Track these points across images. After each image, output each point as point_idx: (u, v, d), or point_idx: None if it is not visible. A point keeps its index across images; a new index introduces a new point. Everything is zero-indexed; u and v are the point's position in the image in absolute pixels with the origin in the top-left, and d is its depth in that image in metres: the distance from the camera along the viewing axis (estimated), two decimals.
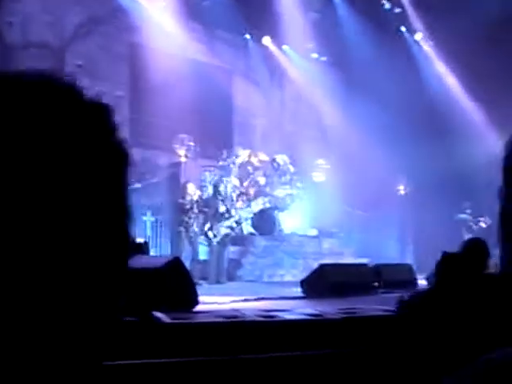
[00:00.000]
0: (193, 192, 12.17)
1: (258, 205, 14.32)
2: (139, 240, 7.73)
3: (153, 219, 14.27)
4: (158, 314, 5.09)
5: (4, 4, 12.94)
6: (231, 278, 12.66)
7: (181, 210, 12.01)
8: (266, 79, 18.15)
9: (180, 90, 14.71)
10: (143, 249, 7.12)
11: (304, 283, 9.17)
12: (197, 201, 12.08)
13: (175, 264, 6.02)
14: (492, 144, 16.36)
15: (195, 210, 11.97)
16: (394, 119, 16.22)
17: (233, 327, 4.90)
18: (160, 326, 4.85)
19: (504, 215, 0.97)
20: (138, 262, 6.21)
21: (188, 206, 11.90)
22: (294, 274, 13.11)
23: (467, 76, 16.59)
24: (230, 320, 5.10)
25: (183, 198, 12.04)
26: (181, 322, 4.91)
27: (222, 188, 12.83)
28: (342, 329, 5.32)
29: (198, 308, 6.00)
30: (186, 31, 15.54)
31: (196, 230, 11.98)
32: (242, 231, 14.07)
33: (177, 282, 5.86)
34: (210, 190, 12.91)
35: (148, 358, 4.53)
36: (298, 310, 6.11)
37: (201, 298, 6.95)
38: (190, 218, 11.89)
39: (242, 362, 4.15)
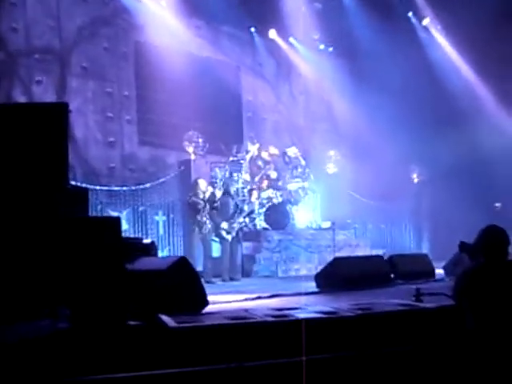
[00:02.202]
0: (204, 188, 11.96)
1: (267, 194, 14.12)
2: (146, 241, 7.49)
3: (164, 218, 14.14)
4: (164, 318, 4.90)
5: (6, 10, 12.76)
6: (246, 275, 12.55)
7: (192, 208, 11.79)
8: (273, 73, 17.97)
9: (187, 87, 14.54)
10: (150, 249, 6.89)
11: (318, 277, 9.00)
12: (208, 198, 11.86)
13: (182, 264, 5.78)
14: (506, 129, 16.12)
15: (207, 208, 11.75)
16: (405, 107, 15.99)
17: (241, 330, 4.67)
18: (165, 329, 4.63)
19: None
20: (143, 263, 6.03)
21: (200, 205, 11.68)
22: (309, 267, 13.03)
23: (478, 60, 16.26)
24: (238, 322, 4.86)
25: (195, 195, 11.81)
26: (186, 325, 4.69)
27: (233, 184, 12.64)
28: (357, 327, 5.06)
29: (208, 309, 5.77)
30: (191, 28, 15.41)
31: (209, 227, 11.77)
32: (255, 226, 13.93)
33: (184, 283, 5.64)
34: (221, 187, 12.67)
35: (152, 364, 4.31)
36: (312, 307, 5.85)
37: (213, 298, 6.81)
38: (202, 216, 11.67)
39: (249, 370, 3.89)
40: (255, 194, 13.82)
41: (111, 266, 4.93)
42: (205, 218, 11.72)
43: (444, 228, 16.29)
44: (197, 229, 11.74)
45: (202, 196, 11.83)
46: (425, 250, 16.50)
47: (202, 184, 12.06)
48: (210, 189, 12.37)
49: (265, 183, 14.29)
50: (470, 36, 15.38)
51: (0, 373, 3.88)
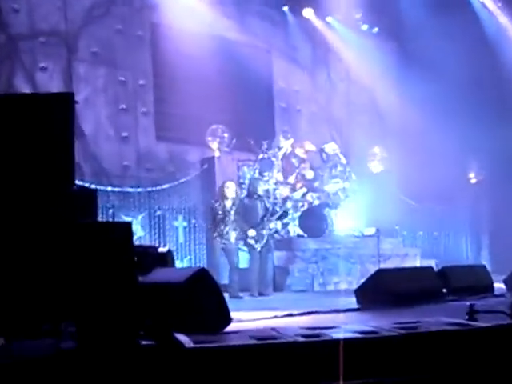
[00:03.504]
0: (234, 194, 11.97)
1: (302, 197, 14.15)
2: (162, 249, 7.56)
3: (185, 224, 14.25)
4: (181, 337, 4.93)
5: None
6: (278, 289, 12.60)
7: (215, 215, 11.83)
8: (309, 57, 17.96)
9: (211, 74, 14.66)
10: (167, 259, 6.96)
11: (359, 292, 8.98)
12: (233, 203, 11.89)
13: (201, 277, 5.79)
14: None
15: (232, 213, 11.78)
16: (460, 97, 15.89)
17: (267, 351, 4.68)
18: (181, 350, 4.66)
19: None
20: (158, 275, 6.09)
21: (221, 213, 11.72)
22: (350, 281, 13.05)
23: None
24: (263, 342, 4.86)
25: (218, 201, 11.86)
26: (205, 346, 4.69)
27: (262, 185, 12.63)
28: (401, 349, 5.04)
29: (231, 327, 5.79)
30: (215, 7, 15.45)
31: (234, 234, 11.79)
32: (288, 233, 13.96)
33: (203, 298, 5.67)
34: (249, 188, 12.68)
35: None
36: (350, 326, 5.84)
37: (238, 315, 6.85)
38: (225, 224, 11.71)
39: None
40: (288, 195, 13.82)
41: (122, 277, 4.95)
42: (228, 227, 11.75)
43: (506, 236, 16.12)
44: (218, 238, 11.79)
45: (229, 204, 11.84)
46: (484, 260, 16.36)
47: (231, 188, 12.07)
48: (238, 191, 12.42)
49: (299, 184, 14.30)
50: None
51: None
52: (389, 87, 17.11)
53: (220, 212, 11.79)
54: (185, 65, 14.56)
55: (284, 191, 13.85)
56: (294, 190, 14.27)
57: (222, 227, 11.75)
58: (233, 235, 11.82)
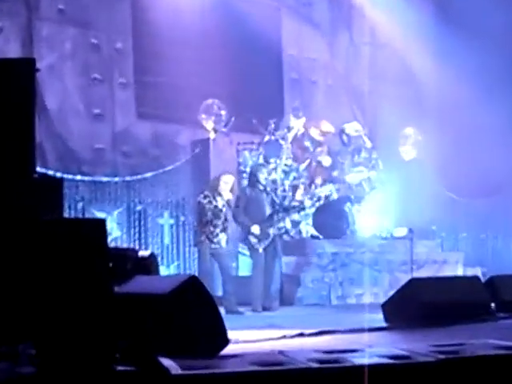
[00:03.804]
0: (228, 191, 11.96)
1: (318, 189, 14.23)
2: (143, 252, 7.58)
3: (172, 222, 14.24)
4: (166, 362, 4.94)
5: None
6: (286, 302, 12.64)
7: (201, 215, 11.83)
8: (327, 16, 17.91)
9: (205, 36, 14.68)
10: (149, 265, 6.99)
11: (387, 307, 9.02)
12: (228, 201, 11.89)
13: (191, 287, 5.80)
14: None
15: (223, 212, 11.76)
16: None
17: (273, 379, 4.68)
18: (166, 377, 4.68)
19: None
20: (138, 284, 6.11)
21: (211, 213, 11.71)
22: (376, 293, 13.13)
23: None
24: (268, 368, 4.85)
25: (208, 196, 11.82)
26: (195, 372, 4.69)
27: (266, 173, 12.61)
28: (439, 377, 5.05)
29: (228, 350, 5.80)
30: None
31: (225, 237, 11.77)
32: (299, 234, 13.96)
33: (194, 314, 5.66)
34: (250, 177, 12.67)
35: None
36: (376, 349, 5.86)
37: (237, 334, 6.85)
38: (214, 225, 11.69)
39: None
40: (301, 187, 13.83)
41: (93, 287, 4.97)
42: (218, 229, 11.74)
43: None
44: (206, 240, 11.78)
45: (221, 203, 11.84)
46: None
47: (229, 184, 12.07)
48: (234, 188, 12.36)
49: (317, 174, 14.27)
50: None
51: None
52: (425, 53, 17.04)
53: (209, 212, 11.74)
54: (173, 24, 14.57)
55: (299, 187, 13.82)
56: (312, 181, 14.25)
57: (212, 228, 11.73)
58: (223, 237, 11.79)
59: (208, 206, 11.81)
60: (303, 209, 13.41)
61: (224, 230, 11.84)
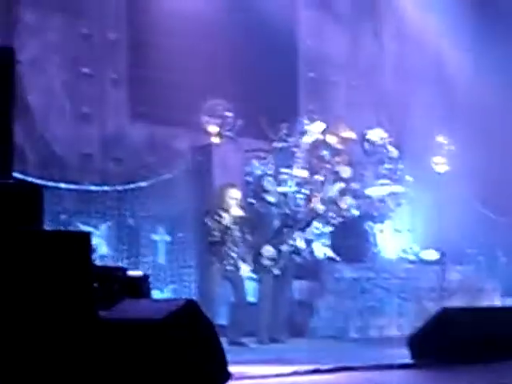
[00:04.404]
0: (235, 205, 11.97)
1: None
2: (134, 273, 7.56)
3: (168, 238, 14.24)
4: None
5: None
6: (297, 333, 12.77)
7: (209, 235, 11.84)
8: (348, 5, 17.97)
9: (210, 28, 14.75)
10: (140, 287, 6.98)
11: (415, 341, 8.94)
12: (236, 217, 11.91)
13: (189, 312, 5.79)
14: None
15: (233, 229, 11.76)
16: None
17: None
18: None
19: None
20: (127, 309, 6.08)
21: (218, 233, 11.70)
22: (402, 324, 13.15)
23: None
24: None
25: (214, 214, 11.81)
26: None
27: (276, 186, 12.74)
28: None
29: None
30: None
31: (234, 256, 11.78)
32: (313, 255, 13.89)
33: (191, 344, 5.66)
34: (257, 189, 12.70)
35: None
36: None
37: (240, 369, 6.94)
38: (226, 245, 11.70)
39: None
40: (316, 201, 13.82)
41: (75, 311, 4.95)
42: (227, 247, 11.79)
43: None
44: (217, 263, 11.78)
45: (229, 220, 11.84)
46: None
47: (235, 196, 12.09)
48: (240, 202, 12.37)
49: (335, 187, 14.26)
50: None
51: None
52: (461, 50, 17.13)
53: (216, 232, 11.74)
54: (173, 13, 14.61)
55: (314, 202, 13.83)
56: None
57: (226, 248, 11.75)
58: (238, 258, 11.84)
59: (214, 225, 11.79)
60: (308, 226, 13.35)
61: (236, 250, 11.86)
